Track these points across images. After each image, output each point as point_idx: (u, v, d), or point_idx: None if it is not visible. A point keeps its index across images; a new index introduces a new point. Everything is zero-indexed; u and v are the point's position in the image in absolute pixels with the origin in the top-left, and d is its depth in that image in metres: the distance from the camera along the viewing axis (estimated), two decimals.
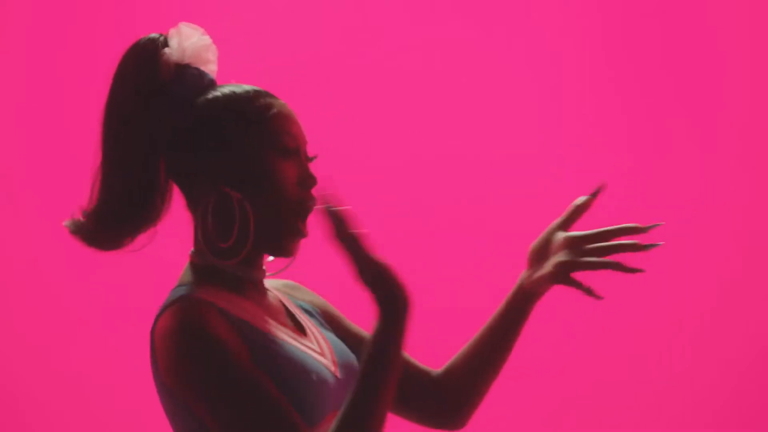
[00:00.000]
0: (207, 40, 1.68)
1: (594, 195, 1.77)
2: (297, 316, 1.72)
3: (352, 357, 1.71)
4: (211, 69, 1.68)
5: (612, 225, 1.74)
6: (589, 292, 1.70)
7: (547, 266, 1.73)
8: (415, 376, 1.81)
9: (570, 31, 3.28)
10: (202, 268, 1.63)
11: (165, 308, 1.57)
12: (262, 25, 3.31)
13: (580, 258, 1.70)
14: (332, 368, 1.65)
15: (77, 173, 3.22)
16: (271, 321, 1.63)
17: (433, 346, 3.23)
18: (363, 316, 1.76)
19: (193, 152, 1.62)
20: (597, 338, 3.23)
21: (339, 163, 3.24)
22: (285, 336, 1.63)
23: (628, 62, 3.28)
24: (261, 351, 1.56)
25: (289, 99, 1.72)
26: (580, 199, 1.77)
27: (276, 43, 3.30)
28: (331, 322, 1.80)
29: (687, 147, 3.27)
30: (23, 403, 3.22)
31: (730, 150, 3.26)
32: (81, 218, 1.65)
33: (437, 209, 3.24)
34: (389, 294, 1.52)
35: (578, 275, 1.72)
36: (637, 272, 1.66)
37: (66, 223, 1.66)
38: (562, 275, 1.70)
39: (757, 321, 3.22)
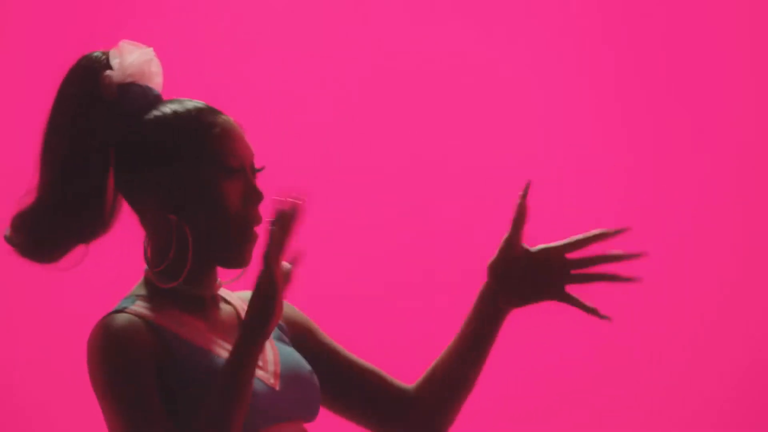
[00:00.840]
0: (149, 54, 1.69)
1: (525, 194, 1.78)
2: None
3: (304, 369, 1.73)
4: (156, 82, 1.69)
5: (597, 228, 1.75)
6: (592, 311, 1.71)
7: (532, 284, 1.76)
8: (391, 393, 1.83)
9: (570, 32, 3.28)
10: (152, 283, 1.67)
11: (103, 318, 1.62)
12: (260, 25, 3.31)
13: (569, 271, 1.72)
14: (270, 380, 1.67)
15: None
16: (211, 336, 1.66)
17: (433, 348, 3.23)
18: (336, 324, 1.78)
19: (137, 171, 1.64)
20: (596, 339, 3.23)
21: (340, 166, 3.24)
22: (219, 350, 1.65)
23: (629, 62, 3.28)
24: (186, 362, 1.60)
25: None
26: (519, 203, 1.79)
27: (275, 44, 3.30)
28: (299, 333, 1.81)
29: (687, 147, 3.27)
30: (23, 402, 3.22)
31: (731, 150, 3.26)
32: (13, 226, 1.67)
33: (437, 211, 3.24)
34: (263, 306, 1.57)
35: (575, 290, 1.73)
36: (634, 281, 1.68)
37: (5, 234, 1.68)
38: (558, 292, 1.73)
39: (758, 321, 3.23)
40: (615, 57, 3.28)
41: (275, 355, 1.71)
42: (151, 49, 1.70)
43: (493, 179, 3.25)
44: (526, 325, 3.17)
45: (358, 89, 3.27)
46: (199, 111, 1.67)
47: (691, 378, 3.21)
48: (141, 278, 1.68)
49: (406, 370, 1.92)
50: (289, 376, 1.70)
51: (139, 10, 3.25)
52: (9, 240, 1.67)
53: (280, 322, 1.79)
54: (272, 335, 1.75)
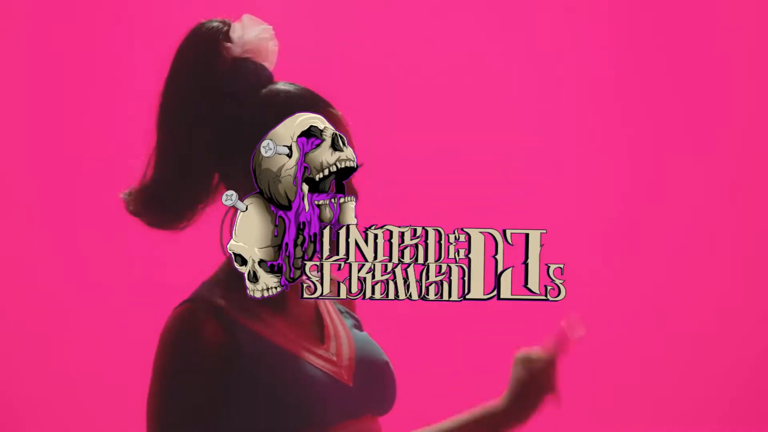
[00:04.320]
0: (269, 33, 1.65)
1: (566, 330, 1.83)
2: (326, 319, 1.71)
3: (379, 360, 1.71)
4: (271, 61, 1.65)
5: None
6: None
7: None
8: None
9: (571, 32, 3.28)
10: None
11: (180, 303, 1.59)
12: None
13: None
14: (343, 376, 1.65)
15: (75, 173, 3.22)
16: (286, 332, 1.63)
17: (434, 349, 3.23)
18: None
19: (239, 150, 1.59)
20: (597, 338, 3.23)
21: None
22: (298, 347, 1.62)
23: (629, 63, 3.29)
24: (261, 362, 1.57)
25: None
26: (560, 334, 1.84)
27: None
28: None
29: (687, 149, 3.27)
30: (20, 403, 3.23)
31: (730, 151, 3.27)
32: (130, 194, 1.63)
33: (435, 209, 3.24)
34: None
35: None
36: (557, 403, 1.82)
37: (122, 196, 1.64)
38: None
39: (758, 323, 3.23)
40: (617, 56, 3.29)
41: (350, 349, 1.68)
42: (271, 27, 1.66)
43: (493, 178, 3.25)
44: (524, 323, 3.18)
45: (359, 85, 3.27)
46: (313, 97, 1.64)
47: (691, 378, 3.22)
48: (224, 259, 1.63)
49: None
50: (363, 370, 1.67)
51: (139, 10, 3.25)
52: (129, 205, 1.64)
53: (345, 309, 1.78)
54: (347, 323, 1.74)
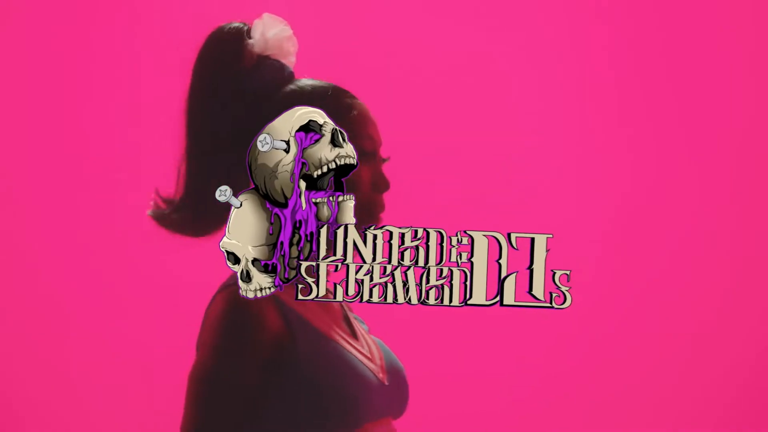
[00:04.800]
0: (289, 31, 1.66)
1: None
2: (350, 319, 1.72)
3: (399, 364, 1.71)
4: (290, 61, 1.66)
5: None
6: None
7: None
8: None
9: (571, 33, 3.28)
10: None
11: (225, 287, 1.57)
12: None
13: None
14: (380, 374, 1.65)
15: (76, 173, 3.22)
16: (329, 322, 1.62)
17: (435, 347, 3.23)
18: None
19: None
20: (599, 341, 3.23)
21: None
22: (341, 339, 1.62)
23: (629, 65, 3.29)
24: (309, 347, 1.56)
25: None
26: None
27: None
28: None
29: (686, 150, 3.27)
30: (19, 403, 3.22)
31: (729, 153, 3.26)
32: (164, 207, 1.62)
33: (437, 210, 3.24)
34: None
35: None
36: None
37: (150, 213, 1.63)
38: None
39: (758, 324, 3.23)
40: (616, 57, 3.29)
41: (378, 349, 1.69)
42: (289, 27, 1.66)
43: (492, 179, 3.24)
44: (525, 328, 3.18)
45: (356, 87, 3.27)
46: (337, 91, 1.65)
47: (690, 378, 3.21)
48: None
49: None
50: (390, 370, 1.68)
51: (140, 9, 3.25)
52: (161, 219, 1.62)
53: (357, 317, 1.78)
54: (365, 328, 1.74)
